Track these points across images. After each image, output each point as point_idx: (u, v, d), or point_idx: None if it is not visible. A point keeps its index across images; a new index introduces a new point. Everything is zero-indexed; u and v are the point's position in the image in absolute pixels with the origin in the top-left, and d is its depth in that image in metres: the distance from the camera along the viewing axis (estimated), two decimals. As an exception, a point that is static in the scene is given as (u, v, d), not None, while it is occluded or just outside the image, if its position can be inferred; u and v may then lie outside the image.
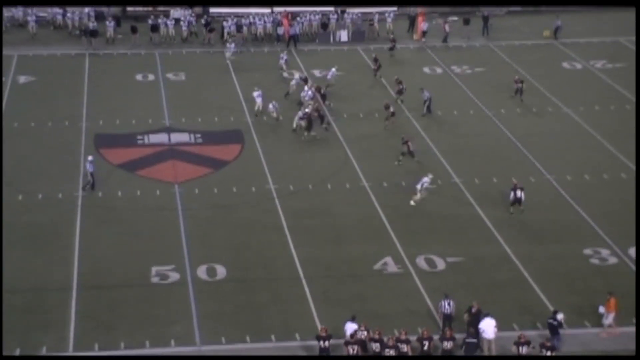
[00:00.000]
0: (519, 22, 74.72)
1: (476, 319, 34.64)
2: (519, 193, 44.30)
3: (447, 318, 35.41)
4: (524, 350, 33.34)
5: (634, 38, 69.32)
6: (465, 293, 37.65)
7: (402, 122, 54.19)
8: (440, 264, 40.30)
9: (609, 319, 35.64)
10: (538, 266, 40.07)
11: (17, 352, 34.29)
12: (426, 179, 45.28)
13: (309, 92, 55.76)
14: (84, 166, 46.96)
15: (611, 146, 51.60)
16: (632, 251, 41.14)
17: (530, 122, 55.29)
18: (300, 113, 53.01)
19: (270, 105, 53.91)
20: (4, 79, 59.25)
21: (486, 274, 39.60)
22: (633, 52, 67.16)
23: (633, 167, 48.99)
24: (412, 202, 44.71)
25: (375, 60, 61.61)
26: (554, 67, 64.35)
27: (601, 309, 35.74)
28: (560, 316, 34.78)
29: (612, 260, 40.69)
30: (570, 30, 71.30)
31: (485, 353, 34.17)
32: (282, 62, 62.18)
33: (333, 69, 60.06)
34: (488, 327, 34.25)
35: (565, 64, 65.17)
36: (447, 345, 33.71)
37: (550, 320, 34.68)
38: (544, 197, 46.24)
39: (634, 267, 40.02)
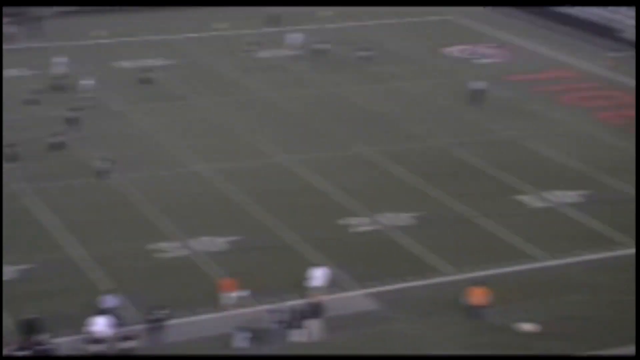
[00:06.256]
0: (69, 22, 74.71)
1: None
2: None
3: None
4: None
5: (196, 34, 71.73)
6: (31, 302, 36.52)
7: None
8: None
9: (230, 299, 36.18)
10: (114, 267, 39.85)
11: None
12: None
13: None
14: None
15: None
16: (192, 242, 42.12)
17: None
18: None
19: None
20: None
21: (54, 281, 38.91)
22: (189, 49, 69.28)
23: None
24: None
25: None
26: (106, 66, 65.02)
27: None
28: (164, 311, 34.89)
29: (183, 252, 41.32)
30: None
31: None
32: None
33: None
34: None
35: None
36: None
37: (152, 316, 34.65)
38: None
39: (194, 258, 40.94)
